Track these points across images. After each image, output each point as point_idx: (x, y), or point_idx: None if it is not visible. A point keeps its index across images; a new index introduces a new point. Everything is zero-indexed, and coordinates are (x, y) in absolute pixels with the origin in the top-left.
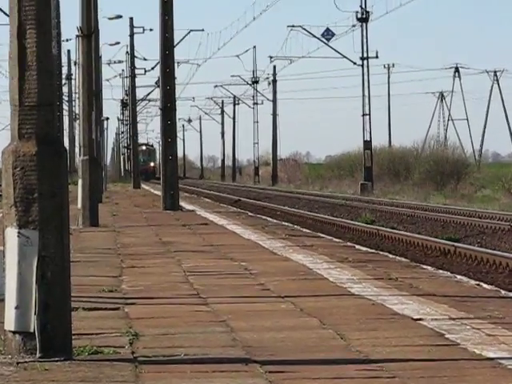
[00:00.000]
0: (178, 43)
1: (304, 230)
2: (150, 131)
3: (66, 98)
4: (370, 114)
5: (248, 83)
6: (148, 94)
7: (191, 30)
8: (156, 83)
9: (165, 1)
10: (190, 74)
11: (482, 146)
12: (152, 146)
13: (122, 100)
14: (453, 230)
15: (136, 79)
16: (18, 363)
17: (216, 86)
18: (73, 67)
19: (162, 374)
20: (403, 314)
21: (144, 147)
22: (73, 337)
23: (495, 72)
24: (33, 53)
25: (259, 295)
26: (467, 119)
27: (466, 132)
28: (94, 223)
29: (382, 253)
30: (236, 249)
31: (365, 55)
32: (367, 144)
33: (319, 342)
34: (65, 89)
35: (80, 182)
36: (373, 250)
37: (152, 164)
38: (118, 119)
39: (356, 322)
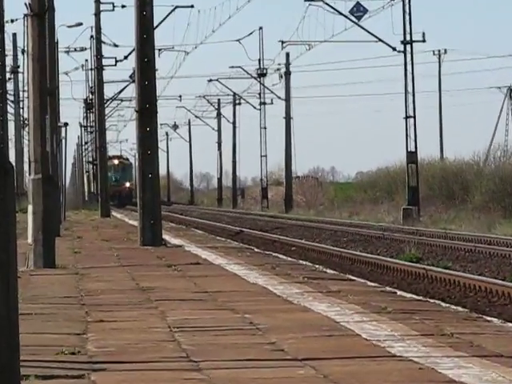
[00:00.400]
0: (160, 24)
1: (328, 270)
2: (123, 141)
3: (12, 98)
4: (414, 117)
5: (253, 76)
6: (120, 92)
7: (177, 7)
8: (130, 77)
9: None
10: (175, 65)
11: None
12: (127, 159)
13: (85, 100)
14: None
15: (104, 72)
16: None
17: (210, 81)
18: (20, 56)
19: None
20: (461, 382)
21: (116, 161)
22: None
23: None
24: None
25: (269, 358)
26: None
27: None
28: (50, 263)
29: (432, 301)
30: (238, 296)
31: (407, 38)
32: (412, 156)
33: None
34: (9, 86)
35: (30, 208)
36: (420, 298)
37: (127, 184)
38: (81, 125)
39: None
